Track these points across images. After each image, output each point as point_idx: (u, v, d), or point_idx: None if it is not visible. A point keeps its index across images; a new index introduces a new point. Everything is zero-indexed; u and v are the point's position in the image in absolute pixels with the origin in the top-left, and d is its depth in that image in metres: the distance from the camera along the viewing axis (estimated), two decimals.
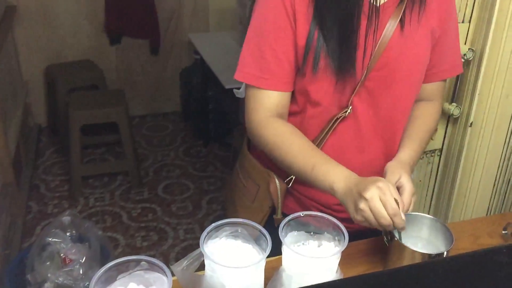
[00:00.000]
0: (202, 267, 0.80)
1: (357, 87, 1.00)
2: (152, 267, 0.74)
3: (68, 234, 2.03)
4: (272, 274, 0.83)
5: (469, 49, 1.31)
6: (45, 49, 3.25)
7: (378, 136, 1.07)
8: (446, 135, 1.46)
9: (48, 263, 1.91)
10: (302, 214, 0.85)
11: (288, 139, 1.00)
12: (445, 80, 1.16)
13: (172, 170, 3.05)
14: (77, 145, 2.72)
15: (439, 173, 1.52)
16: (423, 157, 1.48)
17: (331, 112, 1.03)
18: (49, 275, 1.88)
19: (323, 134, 1.04)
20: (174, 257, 2.36)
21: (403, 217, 0.88)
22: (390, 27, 0.99)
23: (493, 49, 1.31)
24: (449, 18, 1.07)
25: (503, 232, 1.09)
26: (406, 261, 0.92)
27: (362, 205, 0.87)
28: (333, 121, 1.03)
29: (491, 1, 1.28)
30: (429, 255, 0.91)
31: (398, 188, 0.95)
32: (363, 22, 0.96)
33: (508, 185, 1.53)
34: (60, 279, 1.88)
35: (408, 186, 0.95)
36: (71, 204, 2.70)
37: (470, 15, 1.34)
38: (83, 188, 2.81)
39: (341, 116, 1.03)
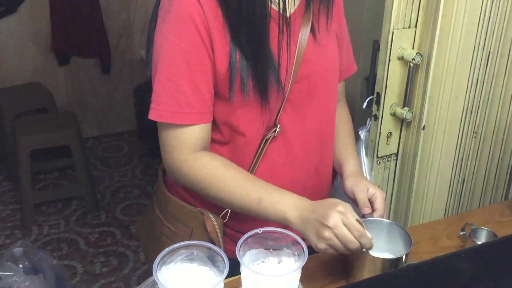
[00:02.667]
0: None
1: (283, 103, 0.97)
2: None
3: (20, 266, 1.93)
4: None
5: (416, 53, 1.33)
6: None
7: (309, 152, 1.05)
8: (401, 140, 1.47)
9: None
10: (260, 230, 0.82)
11: (223, 174, 0.94)
12: (344, 81, 1.18)
13: (130, 191, 2.96)
14: (27, 171, 2.60)
15: (396, 177, 1.53)
16: (379, 162, 1.49)
17: (260, 136, 0.99)
18: None
19: (255, 159, 0.99)
20: (136, 281, 2.28)
21: (369, 235, 0.87)
22: (303, 36, 0.97)
23: (440, 53, 1.33)
24: (342, 19, 1.10)
25: (461, 233, 1.09)
26: (368, 268, 0.91)
27: (327, 234, 0.84)
28: (262, 143, 0.98)
29: (435, 7, 1.31)
30: (389, 259, 0.90)
31: (372, 200, 0.97)
32: (277, 35, 0.92)
33: (463, 185, 1.56)
34: None
35: (379, 193, 0.96)
36: (24, 233, 2.57)
37: (416, 20, 1.36)
38: (36, 216, 2.68)
39: (270, 137, 0.98)
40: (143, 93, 3.21)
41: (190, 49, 0.90)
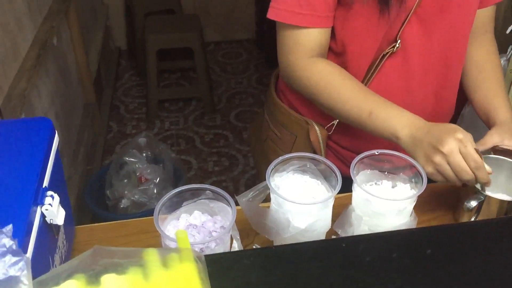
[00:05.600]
0: (268, 199, 0.78)
1: (409, 15, 0.88)
2: (217, 196, 0.73)
3: (144, 154, 2.12)
4: (340, 211, 0.80)
5: None
6: None
7: (429, 73, 0.96)
8: None
9: (125, 181, 2.02)
10: (377, 152, 0.80)
11: (336, 82, 0.90)
12: (495, 6, 1.02)
13: (245, 98, 3.04)
14: (153, 69, 2.77)
15: None
16: None
17: (376, 48, 0.92)
18: (126, 192, 1.99)
19: (369, 74, 0.93)
20: (244, 183, 2.41)
21: (488, 168, 0.80)
22: None
23: None
24: None
25: None
26: (480, 208, 0.84)
27: (438, 159, 0.78)
28: (379, 58, 0.92)
29: None
30: (508, 201, 0.83)
31: None
32: None
33: None
34: (136, 196, 1.99)
35: None
36: (148, 126, 2.80)
37: None
38: (159, 111, 2.89)
39: (388, 52, 0.91)
40: (265, 2, 3.15)
41: None
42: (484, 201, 0.83)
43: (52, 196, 0.66)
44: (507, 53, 1.36)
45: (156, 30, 2.76)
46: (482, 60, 1.01)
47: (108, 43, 3.26)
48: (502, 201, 0.83)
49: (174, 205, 0.73)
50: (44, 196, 0.66)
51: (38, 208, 0.65)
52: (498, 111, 0.95)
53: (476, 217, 0.85)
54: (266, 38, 3.27)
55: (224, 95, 3.07)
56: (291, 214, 0.74)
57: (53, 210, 0.66)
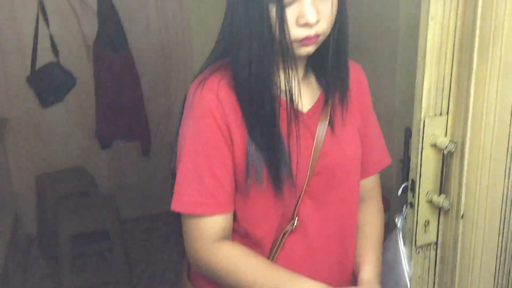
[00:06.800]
0: None
1: (301, 195, 0.97)
2: None
3: None
4: None
5: (450, 141, 1.31)
6: (36, 158, 3.28)
7: (329, 244, 1.03)
8: (440, 228, 1.42)
9: None
10: None
11: (242, 264, 0.93)
12: (378, 174, 1.16)
13: (167, 275, 2.93)
14: (67, 256, 2.64)
15: (437, 268, 1.45)
16: (418, 251, 1.43)
17: (276, 228, 0.98)
18: None
19: (273, 252, 0.99)
20: None
21: None
22: (321, 131, 0.99)
23: (474, 140, 1.31)
24: (369, 111, 1.11)
25: None
26: None
27: None
28: (280, 236, 0.98)
29: (466, 93, 1.31)
30: None
31: None
32: (292, 129, 0.95)
33: (509, 277, 1.47)
34: None
35: None
36: None
37: (447, 108, 1.36)
38: None
39: (288, 230, 0.98)
40: None
41: (211, 142, 0.94)
42: None
43: None
44: (403, 212, 1.48)
45: (68, 215, 2.71)
46: (363, 221, 1.12)
47: (17, 232, 3.11)
48: None
49: None
50: None
51: None
52: (364, 268, 1.05)
53: None
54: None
55: (145, 274, 2.95)
56: None
57: None
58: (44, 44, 3.13)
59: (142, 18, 3.34)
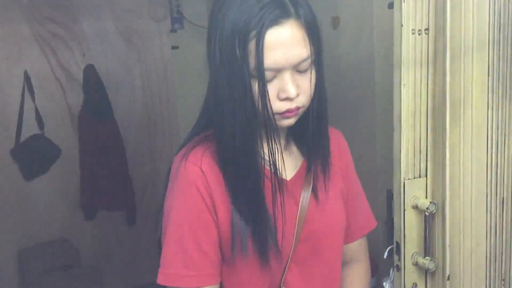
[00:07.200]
0: None
1: (287, 263, 0.98)
2: None
3: None
4: None
5: (430, 202, 1.34)
6: (19, 232, 3.21)
7: None
8: None
9: None
10: None
11: None
12: (365, 237, 1.18)
13: None
14: None
15: None
16: None
17: None
18: None
19: None
20: None
21: None
22: (305, 198, 1.01)
23: (454, 201, 1.33)
24: (351, 174, 1.13)
25: None
26: None
27: None
28: None
29: (441, 156, 1.35)
30: None
31: None
32: (277, 198, 0.97)
33: None
34: None
35: None
36: None
37: (425, 170, 1.39)
38: None
39: None
40: None
41: (195, 214, 0.95)
42: None
43: None
44: (390, 275, 1.48)
45: None
46: (349, 285, 1.14)
47: None
48: None
49: None
50: None
51: None
52: None
53: None
54: None
55: None
56: None
57: None
58: (29, 116, 3.15)
59: (127, 87, 3.41)
